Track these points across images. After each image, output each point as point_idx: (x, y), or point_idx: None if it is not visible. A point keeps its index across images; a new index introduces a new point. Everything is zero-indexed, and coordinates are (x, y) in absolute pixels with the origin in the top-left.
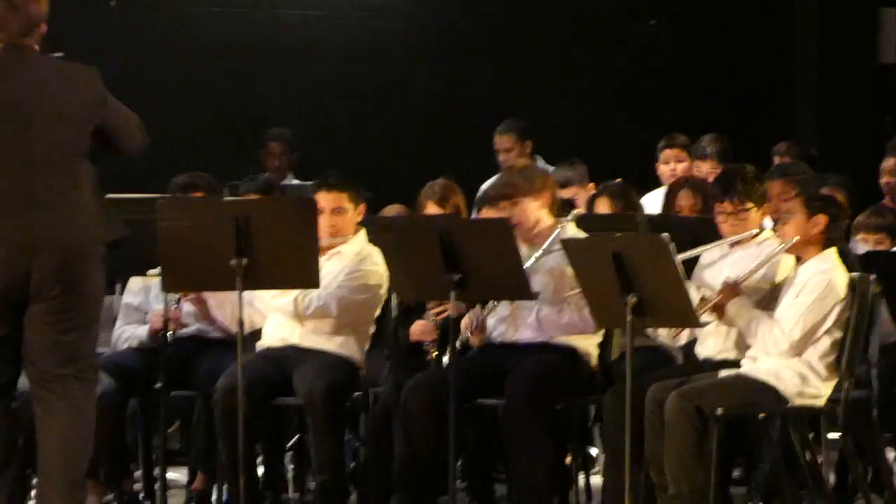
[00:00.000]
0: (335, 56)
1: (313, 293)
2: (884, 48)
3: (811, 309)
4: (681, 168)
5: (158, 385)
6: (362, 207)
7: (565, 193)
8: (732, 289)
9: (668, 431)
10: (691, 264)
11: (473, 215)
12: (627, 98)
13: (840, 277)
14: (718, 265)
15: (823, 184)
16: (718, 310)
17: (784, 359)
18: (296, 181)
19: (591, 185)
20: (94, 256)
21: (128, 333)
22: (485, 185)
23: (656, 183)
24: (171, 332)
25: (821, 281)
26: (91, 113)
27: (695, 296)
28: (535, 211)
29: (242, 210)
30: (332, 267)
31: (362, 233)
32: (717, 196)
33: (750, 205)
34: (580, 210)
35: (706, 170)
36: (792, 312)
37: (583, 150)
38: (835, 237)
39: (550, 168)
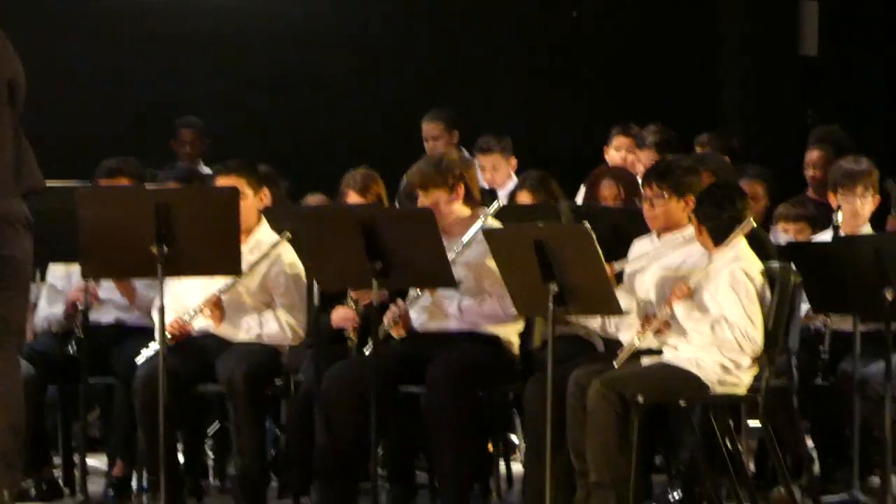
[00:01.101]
0: (255, 43)
1: (275, 332)
2: (805, 41)
3: (754, 311)
4: (630, 158)
5: (72, 351)
6: (263, 193)
7: (486, 161)
8: (683, 291)
9: (590, 419)
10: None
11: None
12: (552, 89)
13: (754, 267)
14: (648, 260)
15: (743, 175)
16: (664, 327)
17: (706, 349)
18: (206, 169)
19: (514, 159)
20: (20, 217)
21: (45, 313)
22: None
23: (581, 171)
24: (89, 303)
25: (742, 279)
26: (6, 66)
27: (627, 302)
28: (448, 203)
29: (163, 198)
30: (249, 261)
31: (265, 224)
32: (644, 180)
33: (667, 194)
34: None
35: (646, 159)
36: (742, 317)
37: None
38: (723, 228)
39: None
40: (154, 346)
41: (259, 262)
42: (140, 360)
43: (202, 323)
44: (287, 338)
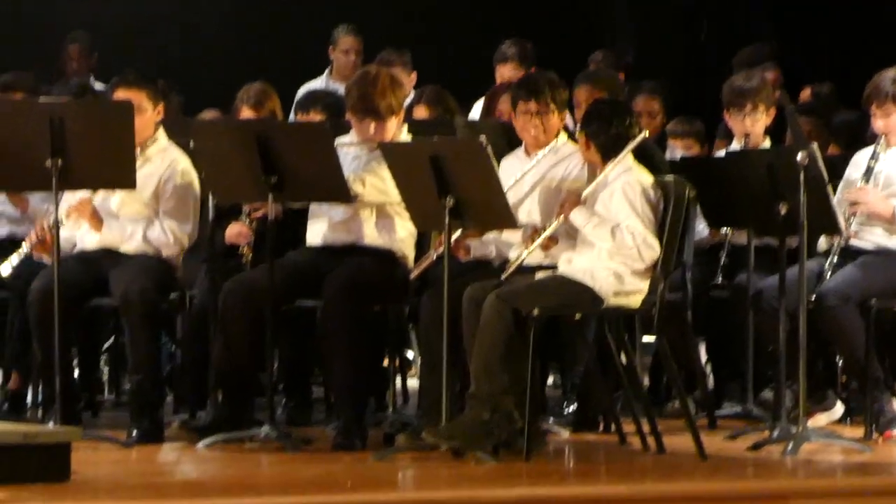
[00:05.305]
0: None
1: (157, 236)
2: None
3: (650, 219)
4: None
5: None
6: (161, 107)
7: None
8: (573, 200)
9: (480, 331)
10: None
11: (292, 118)
12: (447, 6)
13: (646, 179)
14: (522, 177)
15: (639, 91)
16: (550, 242)
17: (600, 258)
18: (98, 84)
19: (414, 73)
20: None
21: None
22: (304, 88)
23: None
24: None
25: (637, 188)
26: None
27: None
28: (394, 129)
29: (57, 111)
30: (144, 172)
31: (162, 135)
32: (523, 96)
33: (553, 107)
34: None
35: (507, 73)
36: (639, 224)
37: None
38: (611, 143)
39: None
40: (24, 251)
41: (150, 170)
42: (4, 266)
43: (92, 238)
44: (169, 243)
